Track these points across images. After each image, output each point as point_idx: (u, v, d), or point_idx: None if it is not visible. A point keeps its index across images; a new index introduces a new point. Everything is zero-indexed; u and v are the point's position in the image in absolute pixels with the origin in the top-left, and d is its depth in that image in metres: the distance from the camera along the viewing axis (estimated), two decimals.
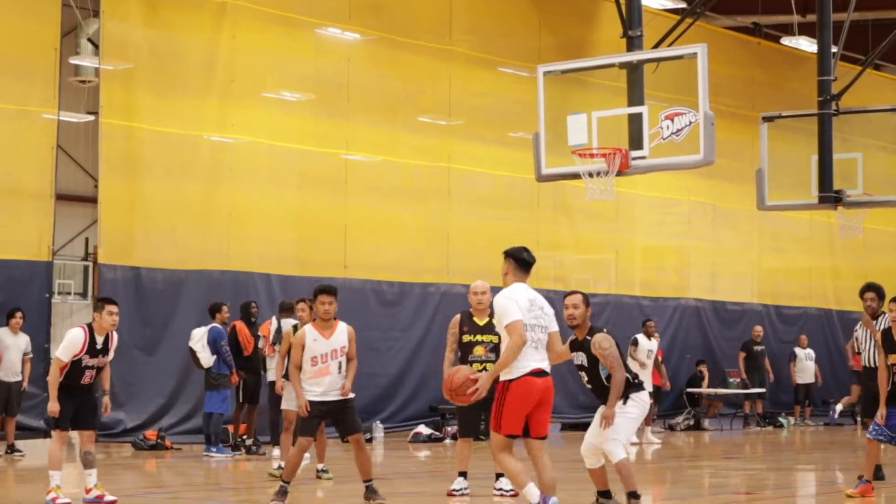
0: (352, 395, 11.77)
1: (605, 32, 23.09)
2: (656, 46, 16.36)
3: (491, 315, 12.00)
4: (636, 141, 14.96)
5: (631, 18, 15.70)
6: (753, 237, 29.59)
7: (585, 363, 10.64)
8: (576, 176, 15.49)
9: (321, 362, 11.66)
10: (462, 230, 23.54)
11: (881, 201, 19.73)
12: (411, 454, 19.81)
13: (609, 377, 10.54)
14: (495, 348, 12.03)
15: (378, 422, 21.65)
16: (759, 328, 27.88)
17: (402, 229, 23.00)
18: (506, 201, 24.21)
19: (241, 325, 18.53)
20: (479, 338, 12.34)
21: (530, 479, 9.55)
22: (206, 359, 17.75)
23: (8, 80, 19.01)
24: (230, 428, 18.69)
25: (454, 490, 12.52)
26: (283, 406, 14.77)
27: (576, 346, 10.68)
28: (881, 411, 12.67)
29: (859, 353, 14.96)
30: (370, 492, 11.91)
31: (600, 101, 15.81)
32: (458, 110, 23.71)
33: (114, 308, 11.77)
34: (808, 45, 26.72)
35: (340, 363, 11.70)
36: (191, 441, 19.30)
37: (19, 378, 17.86)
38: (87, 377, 11.72)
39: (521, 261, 9.88)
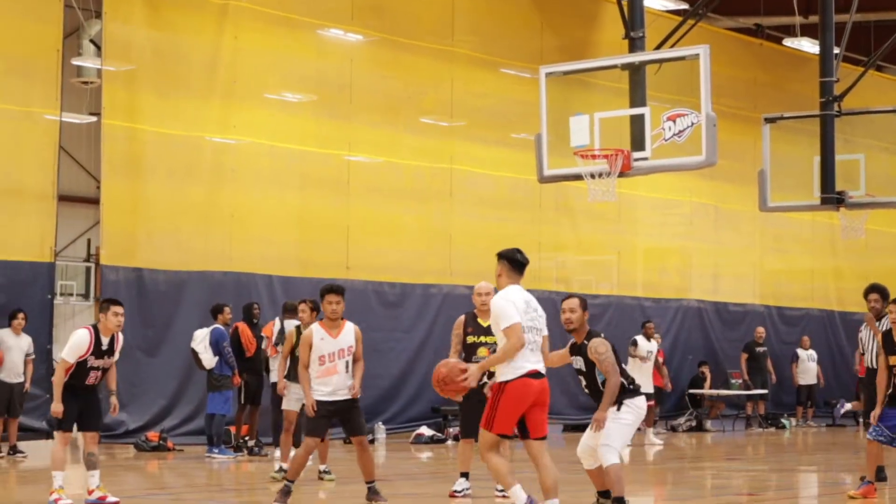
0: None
1: (608, 33, 23.11)
2: (658, 48, 16.35)
3: None
4: (638, 142, 14.97)
5: (633, 20, 15.69)
6: (755, 238, 29.56)
7: (583, 367, 10.62)
8: (578, 177, 15.50)
9: (328, 361, 11.68)
10: (464, 231, 23.52)
11: (883, 202, 19.73)
12: (413, 455, 19.80)
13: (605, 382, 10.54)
14: None
15: (380, 423, 21.63)
16: (761, 329, 27.84)
17: (405, 230, 22.99)
18: (508, 202, 24.20)
19: (243, 327, 18.53)
20: (483, 339, 12.33)
21: (516, 480, 9.57)
22: (209, 360, 17.75)
23: (10, 81, 19.00)
24: (232, 429, 18.68)
25: (456, 491, 12.51)
26: (283, 406, 14.77)
27: (574, 350, 10.68)
28: (876, 411, 12.67)
29: (864, 355, 14.97)
30: (372, 493, 11.92)
31: (602, 103, 15.83)
32: (461, 111, 23.70)
33: (119, 309, 11.78)
34: (810, 46, 26.74)
35: (347, 362, 11.72)
36: (193, 442, 19.29)
37: (21, 379, 17.85)
38: (92, 378, 11.72)
39: (514, 262, 9.87)
